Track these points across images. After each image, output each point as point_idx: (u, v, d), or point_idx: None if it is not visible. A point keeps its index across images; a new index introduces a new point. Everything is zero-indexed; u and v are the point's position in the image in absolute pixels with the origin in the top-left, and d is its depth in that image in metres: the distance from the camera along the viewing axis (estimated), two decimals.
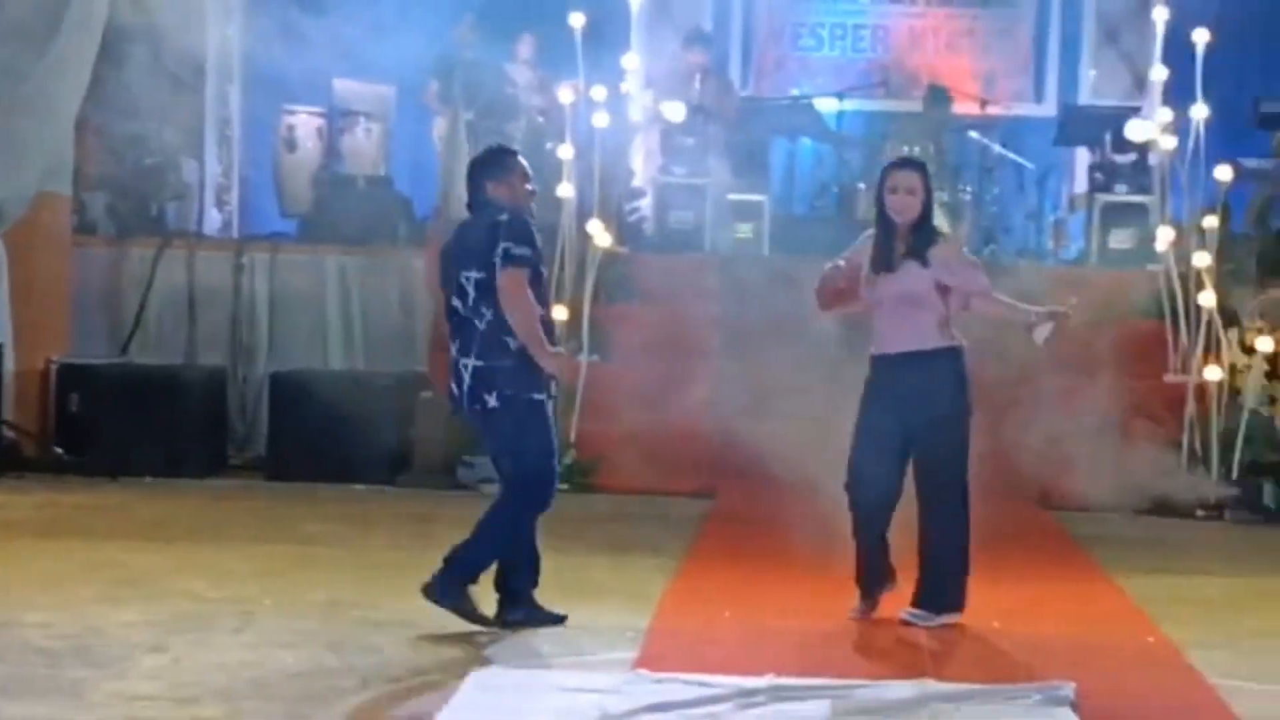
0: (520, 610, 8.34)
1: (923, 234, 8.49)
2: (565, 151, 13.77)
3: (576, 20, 13.93)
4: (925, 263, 8.43)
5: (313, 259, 14.68)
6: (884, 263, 8.50)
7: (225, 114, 16.68)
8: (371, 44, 15.55)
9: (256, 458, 13.83)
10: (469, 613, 8.16)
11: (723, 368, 12.40)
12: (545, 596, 8.61)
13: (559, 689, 7.07)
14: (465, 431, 13.18)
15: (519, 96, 15.43)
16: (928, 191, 8.53)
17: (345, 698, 6.91)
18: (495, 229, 8.21)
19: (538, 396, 8.27)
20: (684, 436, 12.45)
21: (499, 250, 8.14)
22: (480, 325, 8.21)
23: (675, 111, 15.08)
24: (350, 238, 14.73)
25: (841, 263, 8.57)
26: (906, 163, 8.82)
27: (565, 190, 13.56)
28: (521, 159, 8.64)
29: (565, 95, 13.93)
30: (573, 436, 13.01)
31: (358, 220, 14.89)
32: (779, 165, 16.65)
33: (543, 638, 8.13)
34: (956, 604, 8.45)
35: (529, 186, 8.52)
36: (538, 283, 8.34)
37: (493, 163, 8.58)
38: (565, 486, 12.76)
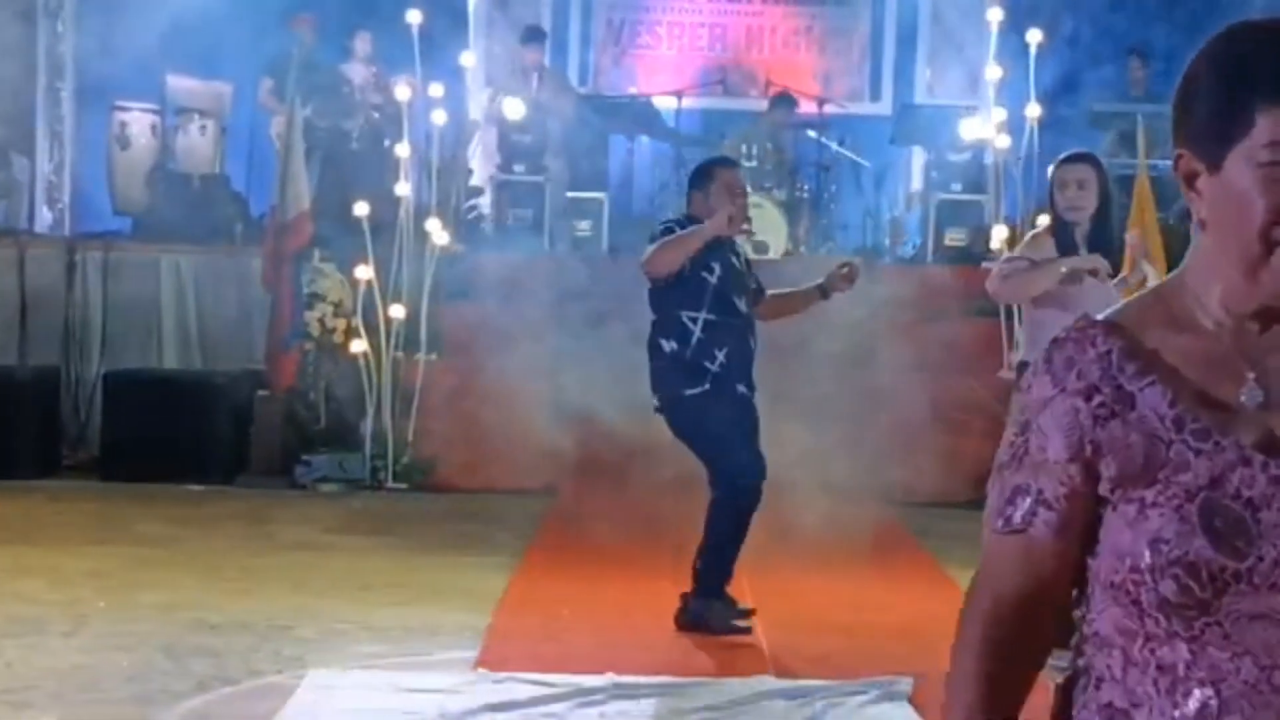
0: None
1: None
2: (402, 149, 13.71)
3: (414, 17, 13.86)
4: None
5: (147, 257, 14.48)
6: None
7: (56, 110, 16.43)
8: (205, 41, 15.41)
9: (90, 459, 13.62)
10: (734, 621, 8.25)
11: (562, 366, 12.38)
12: (380, 597, 8.56)
13: (398, 689, 7.03)
14: (302, 430, 13.12)
15: (355, 94, 15.33)
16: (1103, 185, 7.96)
17: (180, 700, 6.84)
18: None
19: (690, 391, 8.17)
20: (523, 434, 12.41)
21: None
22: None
23: (514, 109, 15.06)
24: (185, 236, 14.56)
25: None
26: (1078, 157, 8.22)
27: (402, 189, 13.49)
28: (726, 169, 8.66)
29: (402, 93, 13.86)
30: (410, 436, 12.95)
31: (193, 219, 14.73)
32: (617, 163, 16.66)
33: (381, 638, 8.08)
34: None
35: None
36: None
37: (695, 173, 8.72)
38: (404, 485, 12.80)
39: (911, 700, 6.96)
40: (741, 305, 8.28)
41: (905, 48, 17.94)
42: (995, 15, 14.68)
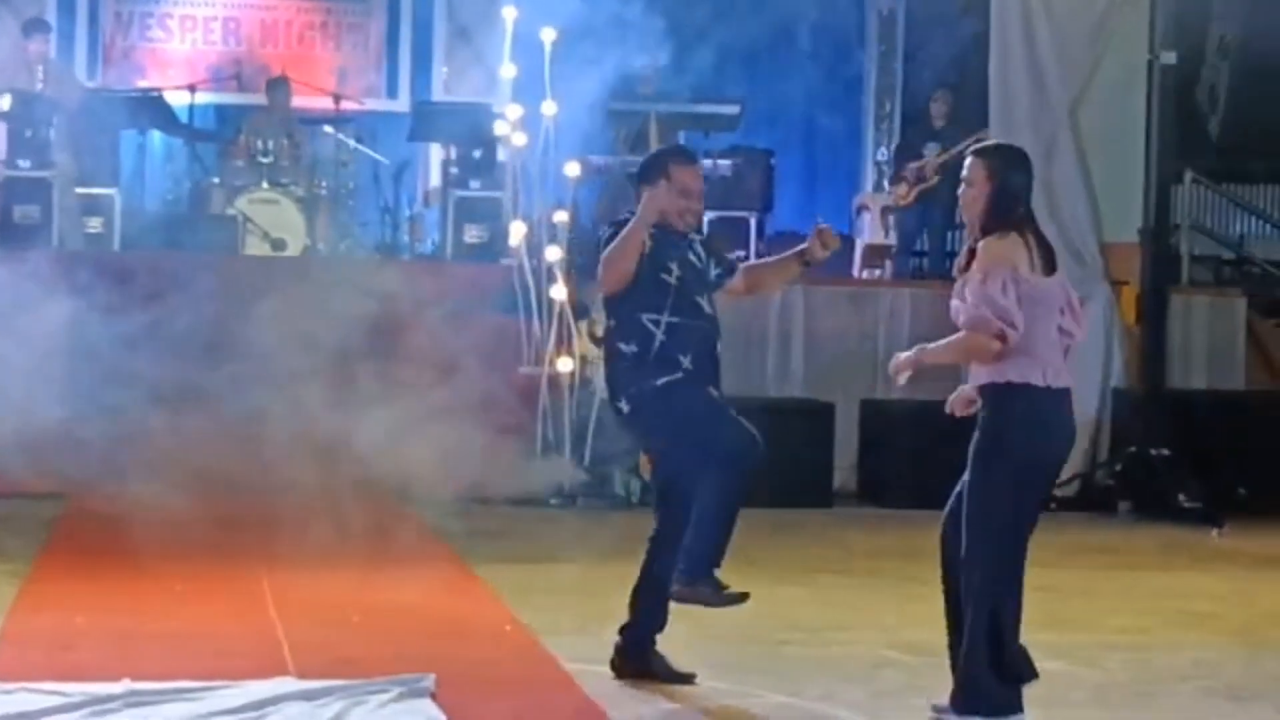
0: None
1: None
2: None
3: None
4: None
5: None
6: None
7: None
8: None
9: None
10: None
11: (72, 368, 12.06)
12: None
13: None
14: None
15: None
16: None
17: None
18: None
19: (664, 379, 7.49)
20: (29, 437, 12.03)
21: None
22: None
23: (4, 101, 14.62)
24: None
25: None
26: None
27: None
28: (678, 165, 7.78)
29: None
30: None
31: None
32: (129, 159, 16.30)
33: None
34: None
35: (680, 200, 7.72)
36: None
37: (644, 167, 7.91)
38: None
39: (433, 697, 6.95)
40: (706, 305, 7.67)
41: (421, 45, 17.97)
42: (510, 13, 14.80)
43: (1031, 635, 6.95)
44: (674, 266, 7.58)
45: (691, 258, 7.71)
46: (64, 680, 6.99)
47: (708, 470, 7.43)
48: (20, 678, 7.04)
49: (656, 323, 7.53)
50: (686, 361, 7.52)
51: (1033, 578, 6.95)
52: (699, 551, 7.43)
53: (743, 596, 7.45)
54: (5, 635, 8.07)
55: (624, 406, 7.63)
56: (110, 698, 6.76)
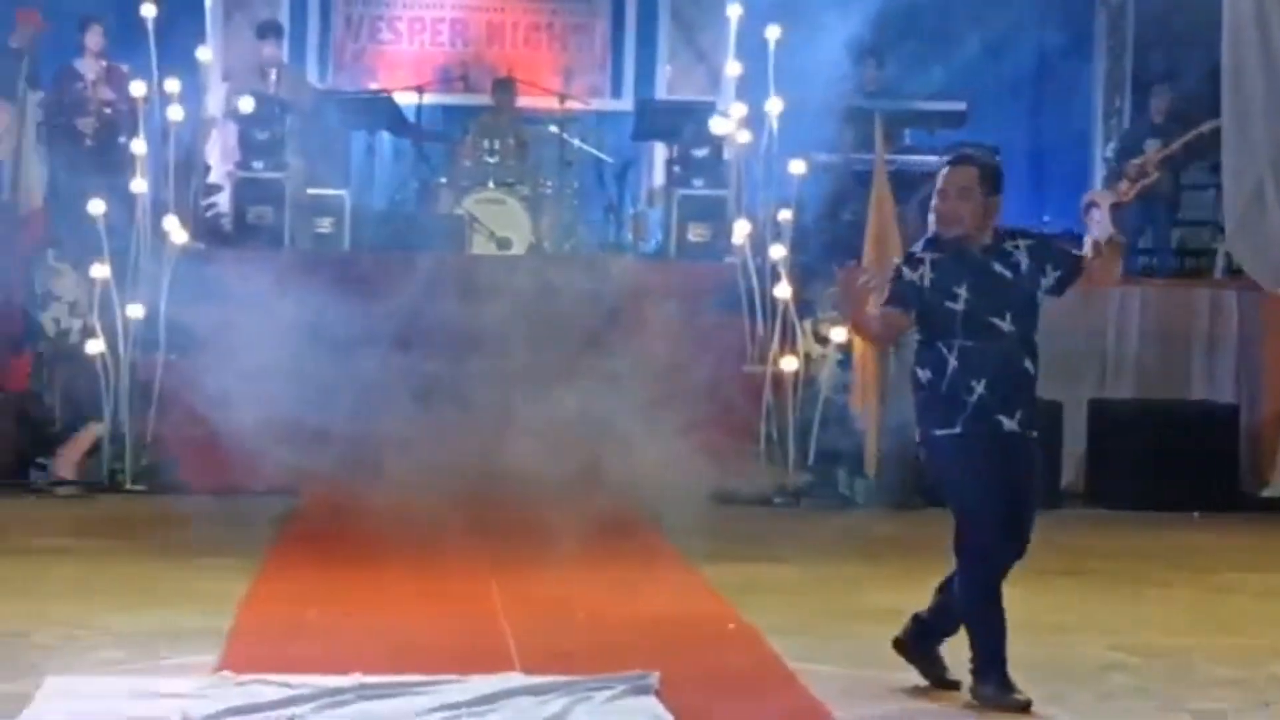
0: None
1: None
2: (138, 146, 13.47)
3: (148, 10, 13.64)
4: None
5: None
6: None
7: None
8: None
9: None
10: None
11: (304, 365, 12.25)
12: (120, 601, 8.38)
13: (139, 694, 6.89)
14: (37, 433, 12.83)
15: (88, 90, 15.02)
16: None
17: None
18: None
19: (940, 433, 7.30)
20: (264, 434, 12.24)
21: None
22: None
23: (246, 104, 14.88)
24: None
25: None
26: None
27: (139, 186, 13.26)
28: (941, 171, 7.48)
29: (137, 89, 13.62)
30: (149, 437, 12.76)
31: None
32: (358, 159, 16.53)
33: (121, 643, 7.93)
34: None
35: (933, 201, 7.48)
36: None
37: None
38: (143, 488, 12.59)
39: (658, 694, 6.97)
40: (1005, 325, 7.28)
41: (645, 44, 18.02)
42: (735, 12, 14.80)
43: None
44: (961, 291, 7.27)
45: (998, 269, 7.34)
46: (295, 673, 7.11)
47: (960, 555, 7.32)
48: (252, 669, 7.16)
49: (950, 348, 7.27)
50: (980, 388, 7.22)
51: None
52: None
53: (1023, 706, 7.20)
54: (239, 628, 8.22)
55: (919, 446, 7.48)
56: (340, 690, 6.86)
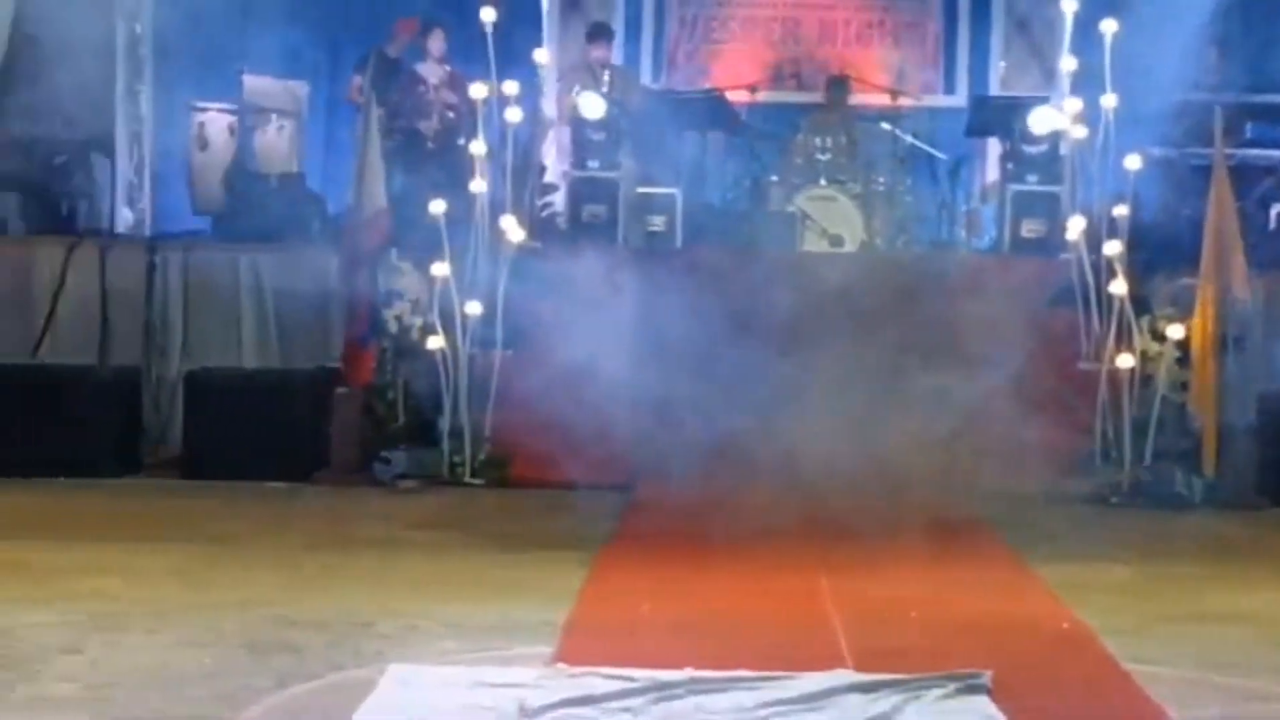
0: None
1: None
2: (478, 148, 13.74)
3: (488, 15, 13.90)
4: None
5: (226, 257, 14.58)
6: None
7: (135, 111, 16.54)
8: (280, 40, 15.50)
9: (171, 457, 13.71)
10: None
11: (638, 360, 12.40)
12: (458, 593, 8.55)
13: (478, 684, 7.05)
14: (381, 427, 13.16)
15: (430, 94, 15.38)
16: None
17: (262, 696, 6.88)
18: None
19: None
20: (600, 428, 12.42)
21: None
22: None
23: (594, 107, 15.07)
24: (263, 235, 14.65)
25: None
26: None
27: (478, 186, 13.53)
28: None
29: (477, 91, 13.89)
30: (487, 431, 13.00)
31: (271, 218, 14.82)
32: (690, 158, 16.66)
33: (460, 634, 8.10)
34: None
35: None
36: None
37: None
38: (481, 481, 12.84)
39: (990, 693, 6.94)
40: None
41: (979, 40, 17.90)
42: (1070, 6, 14.62)
43: None
44: None
45: None
46: (628, 666, 7.20)
47: None
48: (587, 662, 7.28)
49: None
50: None
51: None
52: None
53: None
54: (574, 622, 8.34)
55: None
56: (672, 684, 6.94)
